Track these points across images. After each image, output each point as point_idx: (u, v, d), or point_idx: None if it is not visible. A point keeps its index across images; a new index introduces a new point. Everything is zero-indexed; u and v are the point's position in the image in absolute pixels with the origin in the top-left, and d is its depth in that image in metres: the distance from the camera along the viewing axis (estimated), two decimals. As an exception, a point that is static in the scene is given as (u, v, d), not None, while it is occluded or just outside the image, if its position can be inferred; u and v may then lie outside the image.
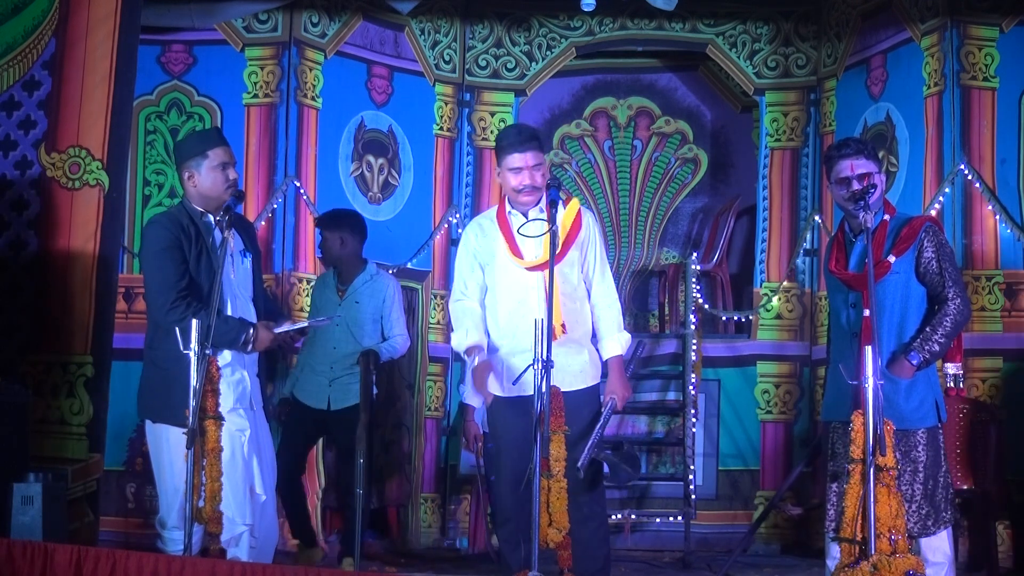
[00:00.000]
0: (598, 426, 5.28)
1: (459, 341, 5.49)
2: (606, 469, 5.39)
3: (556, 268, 5.16)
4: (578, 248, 5.41)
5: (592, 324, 5.48)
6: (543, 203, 5.35)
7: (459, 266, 5.58)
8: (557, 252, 5.19)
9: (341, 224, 7.05)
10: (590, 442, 5.21)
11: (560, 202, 5.26)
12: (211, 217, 5.19)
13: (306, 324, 5.44)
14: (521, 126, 5.80)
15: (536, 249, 5.33)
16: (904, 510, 4.69)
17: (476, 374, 5.45)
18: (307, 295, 7.87)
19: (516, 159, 5.31)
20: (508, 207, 5.44)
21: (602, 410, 5.38)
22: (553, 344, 5.13)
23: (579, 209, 5.44)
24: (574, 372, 5.36)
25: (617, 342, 5.45)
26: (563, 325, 5.29)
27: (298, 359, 7.08)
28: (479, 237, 5.49)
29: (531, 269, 5.33)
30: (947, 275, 5.09)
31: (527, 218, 5.38)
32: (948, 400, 6.49)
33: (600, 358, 5.49)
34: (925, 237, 5.11)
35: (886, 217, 5.16)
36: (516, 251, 5.37)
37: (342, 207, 7.60)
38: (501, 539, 5.44)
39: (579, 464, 5.15)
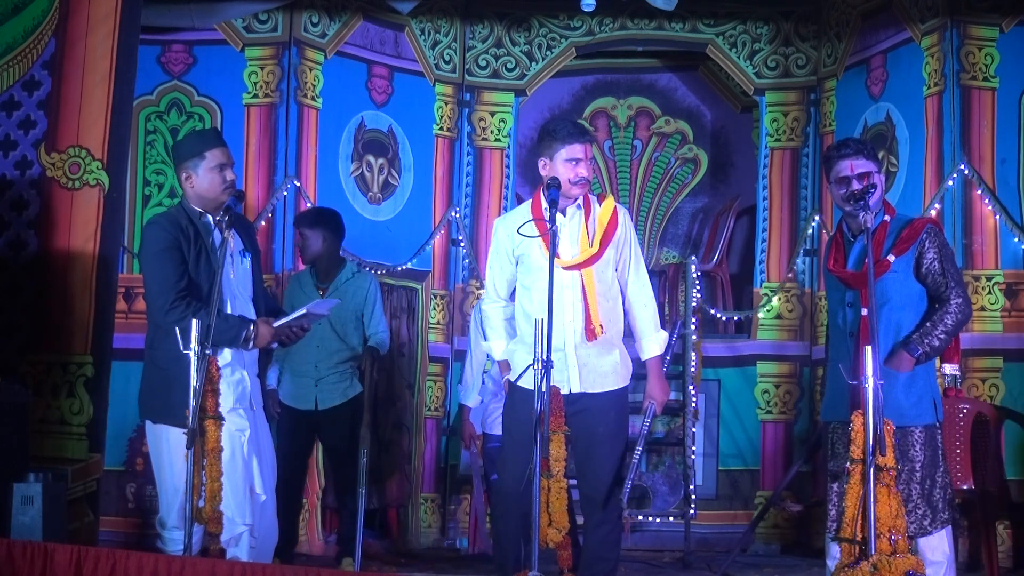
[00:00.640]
0: (638, 449, 5.22)
1: (497, 349, 5.50)
2: (628, 483, 5.34)
3: (592, 267, 5.20)
4: (614, 246, 5.30)
5: (625, 323, 5.38)
6: (580, 200, 5.30)
7: (491, 264, 5.46)
8: (595, 251, 5.20)
9: (322, 222, 7.00)
10: (631, 470, 5.16)
11: (558, 202, 5.19)
12: (210, 217, 5.18)
13: (304, 311, 5.26)
14: (572, 119, 5.75)
15: (572, 248, 5.24)
16: (904, 510, 4.69)
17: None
18: (307, 295, 7.85)
19: (576, 150, 5.20)
20: (544, 203, 5.28)
21: (643, 419, 5.30)
22: (585, 343, 5.15)
23: (615, 207, 5.33)
24: (604, 372, 5.27)
25: (656, 342, 5.36)
26: (601, 325, 5.21)
27: (276, 355, 6.88)
28: (513, 234, 5.32)
29: (567, 268, 5.20)
30: (949, 276, 5.09)
31: (564, 214, 5.25)
32: (947, 400, 6.50)
33: (631, 358, 5.39)
34: (927, 239, 5.10)
35: (887, 218, 5.14)
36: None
37: (322, 206, 7.57)
38: (499, 533, 5.31)
39: (621, 495, 5.13)
